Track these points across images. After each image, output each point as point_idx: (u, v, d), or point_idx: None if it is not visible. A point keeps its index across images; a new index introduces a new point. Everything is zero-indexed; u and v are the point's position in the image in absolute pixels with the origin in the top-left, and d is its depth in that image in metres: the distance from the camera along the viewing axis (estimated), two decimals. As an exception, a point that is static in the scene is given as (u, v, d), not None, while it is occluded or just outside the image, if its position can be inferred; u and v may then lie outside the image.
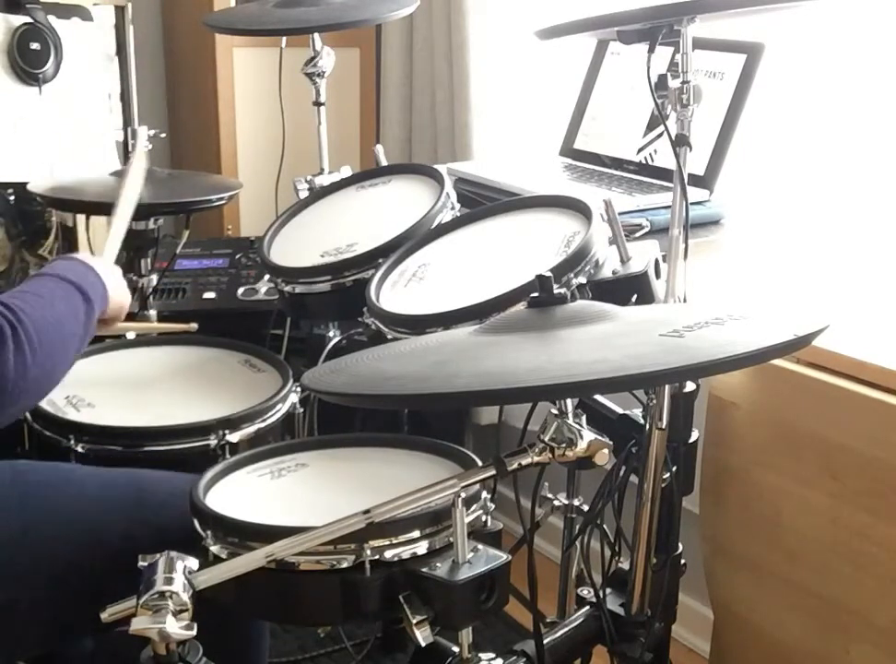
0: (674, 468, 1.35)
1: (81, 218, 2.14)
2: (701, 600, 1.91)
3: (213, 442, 1.54)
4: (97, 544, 1.31)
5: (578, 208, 1.47)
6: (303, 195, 1.90)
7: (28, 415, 1.58)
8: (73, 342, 1.25)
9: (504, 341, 1.00)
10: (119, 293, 1.42)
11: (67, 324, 1.25)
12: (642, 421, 1.34)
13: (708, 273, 1.59)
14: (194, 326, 1.82)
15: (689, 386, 1.37)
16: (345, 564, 1.14)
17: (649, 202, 1.76)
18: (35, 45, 2.21)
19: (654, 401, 1.29)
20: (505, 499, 1.31)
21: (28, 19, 2.20)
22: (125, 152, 2.09)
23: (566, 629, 1.37)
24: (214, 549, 1.19)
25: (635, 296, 1.34)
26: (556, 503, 1.62)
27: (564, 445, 1.09)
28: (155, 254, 2.01)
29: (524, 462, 1.10)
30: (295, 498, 1.31)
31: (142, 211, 1.91)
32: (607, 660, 1.39)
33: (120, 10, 2.44)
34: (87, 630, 1.39)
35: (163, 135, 2.11)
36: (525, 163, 2.12)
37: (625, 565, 1.40)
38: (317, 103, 2.05)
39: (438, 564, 1.13)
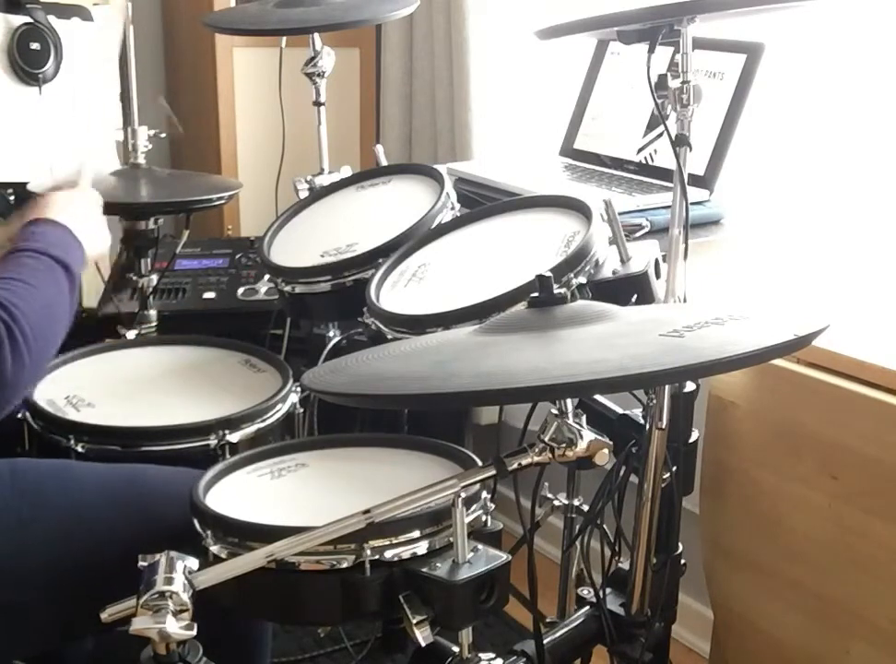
0: (674, 468, 1.35)
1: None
2: (701, 600, 1.91)
3: (213, 442, 1.53)
4: (96, 542, 1.31)
5: (578, 208, 1.47)
6: (303, 195, 1.90)
7: (28, 415, 1.58)
8: (62, 322, 1.26)
9: (504, 341, 1.00)
10: (94, 244, 1.41)
11: (57, 307, 1.25)
12: (642, 421, 1.34)
13: (708, 273, 1.59)
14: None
15: (689, 386, 1.37)
16: (345, 564, 1.15)
17: (649, 202, 1.76)
18: (35, 45, 2.20)
19: (654, 401, 1.29)
20: (505, 499, 1.31)
21: (28, 19, 2.20)
22: (125, 152, 2.09)
23: (566, 629, 1.37)
24: (214, 549, 1.19)
25: (635, 296, 1.34)
26: (556, 503, 1.62)
27: (564, 445, 1.09)
28: (155, 254, 2.01)
29: (524, 462, 1.10)
30: (295, 498, 1.31)
31: (142, 211, 1.92)
32: (607, 660, 1.39)
33: (120, 10, 2.44)
34: (87, 630, 1.39)
35: (163, 135, 2.11)
36: (525, 163, 2.12)
37: (625, 565, 1.40)
38: (317, 103, 2.05)
39: (438, 564, 1.13)
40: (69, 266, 1.29)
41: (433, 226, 1.59)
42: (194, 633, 0.97)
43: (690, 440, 1.41)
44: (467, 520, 1.14)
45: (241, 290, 2.29)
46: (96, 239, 1.43)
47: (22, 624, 1.28)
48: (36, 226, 1.34)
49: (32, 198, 1.46)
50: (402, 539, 1.16)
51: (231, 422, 1.56)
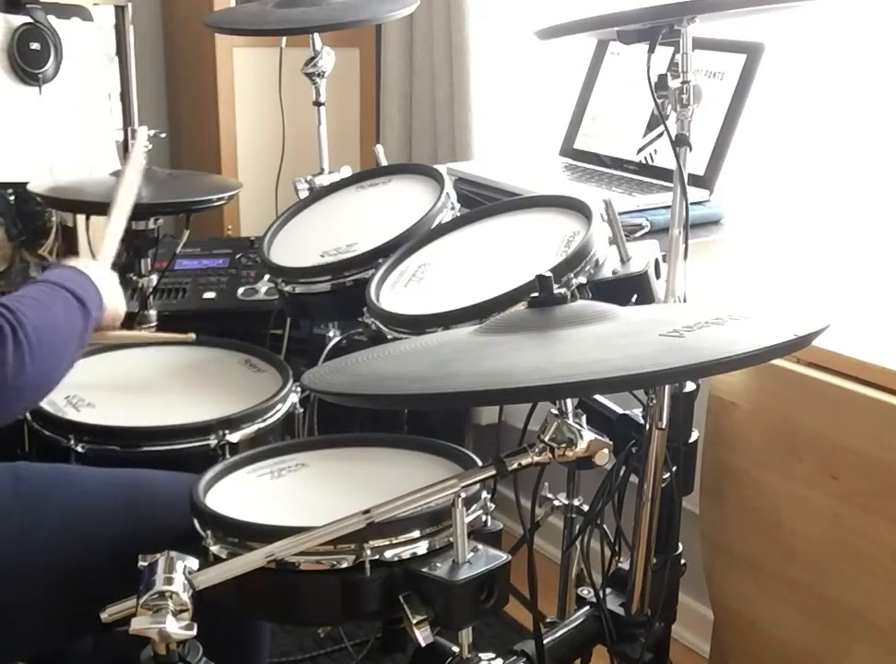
0: (674, 468, 1.35)
1: (81, 218, 2.14)
2: (701, 600, 1.91)
3: (213, 442, 1.53)
4: (97, 546, 1.31)
5: (578, 208, 1.47)
6: (303, 195, 1.90)
7: (28, 415, 1.58)
8: (70, 348, 1.27)
9: (504, 341, 1.00)
10: (114, 301, 1.43)
11: (65, 330, 1.26)
12: (642, 421, 1.34)
13: (708, 273, 1.59)
14: (192, 336, 1.81)
15: (689, 386, 1.37)
16: (345, 564, 1.15)
17: (649, 202, 1.76)
18: (35, 45, 2.20)
19: (654, 401, 1.29)
20: (505, 499, 1.31)
21: (28, 19, 2.20)
22: (125, 152, 2.09)
23: (566, 629, 1.37)
24: (214, 549, 1.19)
25: (635, 296, 1.34)
26: (556, 503, 1.62)
27: (564, 445, 1.09)
28: (155, 254, 2.01)
29: (524, 462, 1.10)
30: (295, 498, 1.31)
31: (142, 211, 1.91)
32: (607, 660, 1.39)
33: (120, 10, 2.44)
34: (87, 630, 1.40)
35: (163, 135, 2.11)
36: (525, 163, 2.12)
37: (625, 565, 1.40)
38: (317, 103, 2.05)
39: (438, 564, 1.13)
40: (84, 301, 1.30)
41: (433, 226, 1.59)
42: (194, 633, 0.98)
43: (690, 440, 1.41)
44: (467, 520, 1.14)
45: (241, 290, 2.29)
46: (115, 298, 1.44)
47: (23, 625, 1.29)
48: (56, 267, 1.37)
49: (51, 206, 1.48)
50: (402, 539, 1.16)
51: (231, 422, 1.56)
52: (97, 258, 1.56)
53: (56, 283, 1.30)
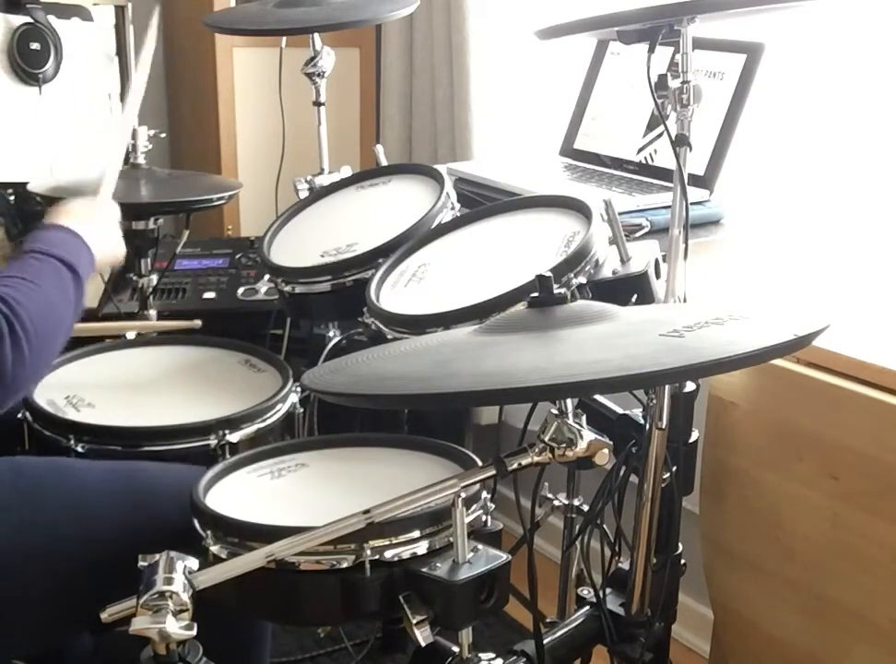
0: (674, 468, 1.35)
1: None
2: (701, 600, 1.91)
3: (213, 442, 1.53)
4: (96, 539, 1.31)
5: (578, 208, 1.47)
6: (303, 195, 1.90)
7: (28, 415, 1.58)
8: (65, 323, 1.27)
9: (504, 341, 1.00)
10: (108, 251, 1.42)
11: (60, 307, 1.26)
12: (642, 421, 1.34)
13: (708, 273, 1.59)
14: (197, 322, 1.81)
15: (689, 386, 1.37)
16: (345, 564, 1.15)
17: (649, 202, 1.76)
18: (35, 45, 2.21)
19: (654, 401, 1.29)
20: (505, 499, 1.31)
21: (28, 19, 2.20)
22: (126, 152, 2.09)
23: (566, 629, 1.37)
24: (214, 549, 1.19)
25: (635, 296, 1.34)
26: (556, 503, 1.62)
27: (564, 445, 1.09)
28: (155, 254, 2.01)
29: (524, 462, 1.10)
30: (295, 498, 1.31)
31: (142, 211, 1.92)
32: (607, 660, 1.39)
33: (120, 10, 2.44)
34: (85, 626, 1.40)
35: (163, 135, 2.11)
36: (525, 163, 2.12)
37: (625, 565, 1.40)
38: (317, 103, 2.05)
39: (438, 564, 1.13)
40: (75, 267, 1.29)
41: (433, 226, 1.59)
42: (194, 633, 0.98)
43: (690, 440, 1.41)
44: (467, 520, 1.14)
45: (241, 290, 2.29)
46: (109, 247, 1.44)
47: (22, 620, 1.29)
48: (45, 230, 1.36)
49: (51, 206, 1.47)
50: (402, 539, 1.16)
51: (231, 422, 1.56)
52: (99, 191, 1.54)
53: (47, 253, 1.28)
